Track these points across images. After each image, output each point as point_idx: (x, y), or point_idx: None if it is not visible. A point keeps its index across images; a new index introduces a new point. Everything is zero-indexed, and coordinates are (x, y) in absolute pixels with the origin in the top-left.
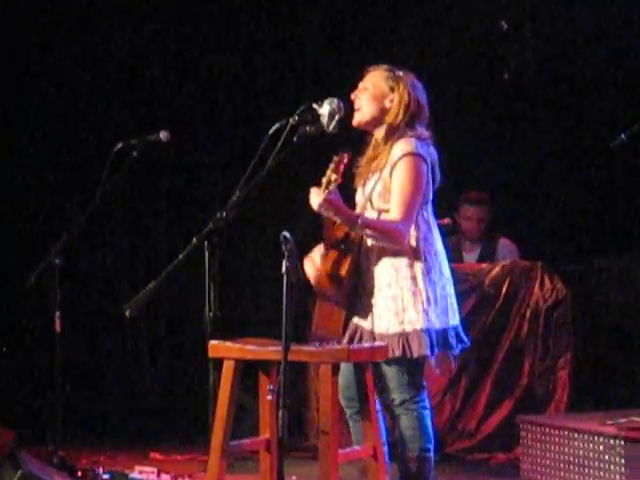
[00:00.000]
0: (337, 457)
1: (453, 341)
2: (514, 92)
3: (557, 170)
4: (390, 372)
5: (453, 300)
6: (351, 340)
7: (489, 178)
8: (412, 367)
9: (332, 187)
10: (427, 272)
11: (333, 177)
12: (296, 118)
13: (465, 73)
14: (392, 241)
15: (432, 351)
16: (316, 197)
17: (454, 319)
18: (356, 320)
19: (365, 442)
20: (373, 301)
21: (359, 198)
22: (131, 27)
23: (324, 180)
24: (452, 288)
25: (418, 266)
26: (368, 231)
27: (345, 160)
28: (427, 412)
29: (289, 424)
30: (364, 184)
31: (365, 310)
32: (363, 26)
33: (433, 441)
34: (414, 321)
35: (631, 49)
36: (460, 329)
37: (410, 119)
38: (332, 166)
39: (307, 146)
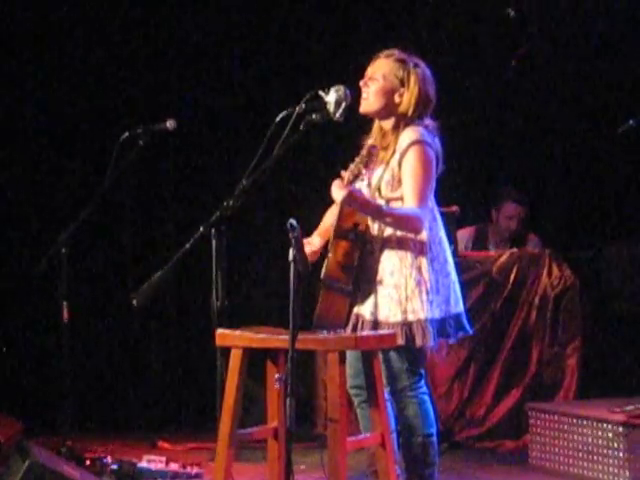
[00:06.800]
0: (346, 445)
1: (451, 330)
2: (522, 79)
3: (565, 157)
4: (390, 359)
5: (456, 287)
6: (353, 329)
7: (497, 166)
8: (412, 355)
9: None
10: (431, 261)
11: (364, 171)
12: (303, 106)
13: (471, 59)
14: (412, 229)
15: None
16: (340, 190)
17: (456, 307)
18: (356, 308)
19: (373, 430)
20: (374, 289)
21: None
22: (137, 14)
23: (349, 173)
24: (455, 274)
25: (423, 255)
26: (390, 220)
27: (375, 156)
28: (427, 398)
29: (297, 412)
30: (371, 170)
31: (365, 298)
32: (371, 11)
33: (435, 426)
34: (417, 310)
35: None
36: (463, 316)
37: (419, 113)
38: (359, 160)
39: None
